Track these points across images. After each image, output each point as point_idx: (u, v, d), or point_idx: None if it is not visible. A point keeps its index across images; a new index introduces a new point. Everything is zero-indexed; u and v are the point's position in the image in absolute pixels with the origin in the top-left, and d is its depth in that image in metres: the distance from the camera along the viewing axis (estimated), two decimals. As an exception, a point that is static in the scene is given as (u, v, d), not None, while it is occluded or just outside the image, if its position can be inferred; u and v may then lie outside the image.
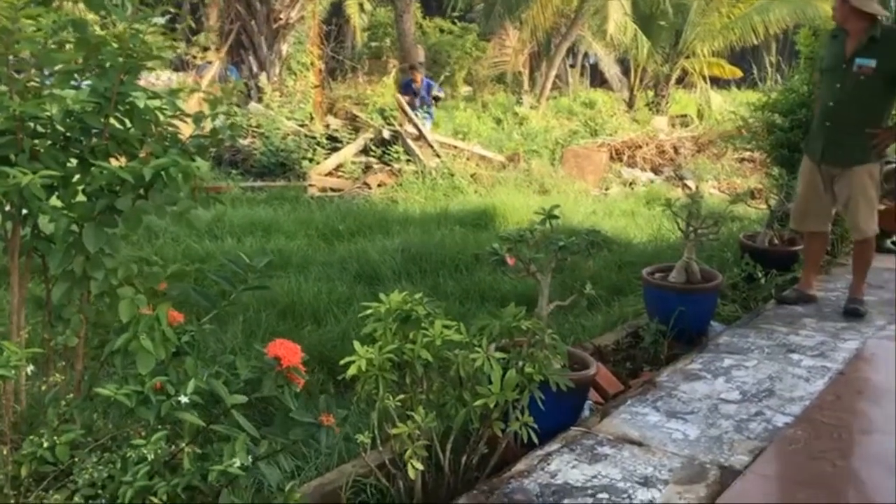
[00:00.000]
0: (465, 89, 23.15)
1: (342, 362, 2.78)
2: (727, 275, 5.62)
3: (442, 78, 19.67)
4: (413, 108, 11.67)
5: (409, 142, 10.17)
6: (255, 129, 10.13)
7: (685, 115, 19.64)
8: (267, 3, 11.42)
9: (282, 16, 11.56)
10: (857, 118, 4.43)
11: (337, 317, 4.80)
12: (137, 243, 6.04)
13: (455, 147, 10.77)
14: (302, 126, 10.56)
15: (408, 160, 10.02)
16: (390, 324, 2.89)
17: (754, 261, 5.60)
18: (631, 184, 11.23)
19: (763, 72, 19.40)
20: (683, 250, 4.58)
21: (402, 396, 2.81)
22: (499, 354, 2.83)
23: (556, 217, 3.32)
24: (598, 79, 26.42)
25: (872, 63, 4.34)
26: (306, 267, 5.77)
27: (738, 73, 20.90)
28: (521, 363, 2.91)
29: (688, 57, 19.90)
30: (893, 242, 6.35)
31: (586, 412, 3.46)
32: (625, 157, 12.27)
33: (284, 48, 11.75)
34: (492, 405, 2.81)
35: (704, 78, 20.20)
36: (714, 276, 4.59)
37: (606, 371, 3.94)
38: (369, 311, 2.92)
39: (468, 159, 10.60)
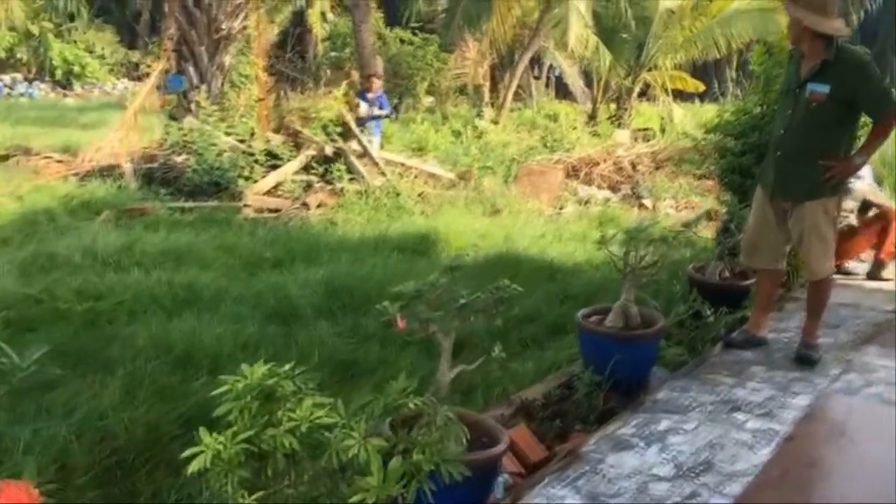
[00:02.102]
0: (427, 100, 22.75)
1: (184, 455, 2.30)
2: (674, 311, 5.22)
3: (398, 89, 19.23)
4: (367, 120, 11.17)
5: (353, 159, 9.67)
6: (191, 145, 9.56)
7: (647, 129, 19.40)
8: (207, 12, 10.86)
9: (223, 26, 11.00)
10: (809, 148, 4.02)
11: (239, 365, 4.29)
12: (29, 275, 5.51)
13: (402, 164, 10.29)
14: (242, 142, 10.01)
15: (351, 179, 9.52)
16: (249, 403, 2.41)
17: (703, 296, 5.19)
18: (586, 202, 10.84)
19: (724, 86, 19.21)
20: (622, 291, 4.14)
21: (260, 494, 2.33)
22: (376, 442, 2.36)
23: (458, 269, 2.85)
24: (563, 91, 26.14)
25: (825, 89, 3.93)
26: (217, 303, 5.26)
27: (701, 87, 20.70)
28: (407, 449, 2.45)
29: (650, 70, 19.68)
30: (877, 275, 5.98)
31: (499, 491, 3.00)
32: (581, 175, 11.89)
33: (227, 60, 11.19)
34: (370, 502, 2.34)
35: (667, 91, 19.98)
36: (655, 319, 4.15)
37: (528, 436, 3.48)
38: (225, 388, 2.44)
39: (416, 177, 10.14)
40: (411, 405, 2.47)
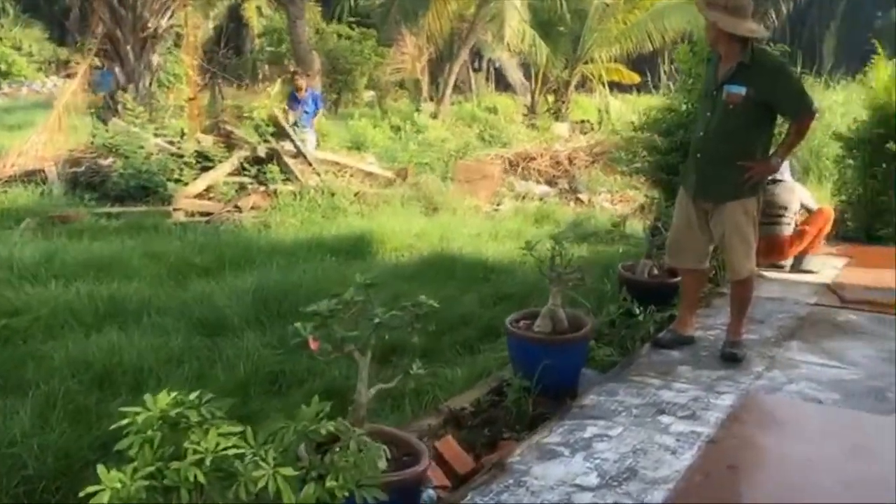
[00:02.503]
0: (367, 95, 22.56)
1: (82, 494, 2.19)
2: (605, 310, 5.25)
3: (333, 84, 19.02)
4: (298, 121, 11.02)
5: (287, 159, 9.51)
6: (118, 148, 9.27)
7: (585, 121, 19.58)
8: (133, 10, 10.54)
9: (150, 24, 10.70)
10: (728, 150, 4.06)
11: (162, 382, 4.16)
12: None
13: (337, 164, 10.17)
14: (171, 143, 9.76)
15: (285, 180, 9.37)
16: (151, 436, 2.31)
17: (633, 294, 5.22)
18: (524, 197, 10.87)
19: (656, 78, 19.51)
20: (549, 295, 4.13)
21: (166, 531, 2.24)
22: (286, 472, 2.28)
23: (372, 286, 2.78)
24: (503, 83, 26.21)
25: (742, 91, 3.96)
26: (141, 316, 5.10)
27: (637, 79, 20.96)
28: (321, 475, 2.38)
29: (587, 62, 19.86)
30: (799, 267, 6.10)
31: (424, 507, 2.95)
32: (519, 169, 11.92)
33: (155, 59, 10.88)
34: (284, 532, 2.27)
35: (604, 83, 20.20)
36: (583, 322, 4.16)
37: (455, 447, 3.45)
38: (126, 421, 2.34)
39: (352, 176, 10.03)
40: (322, 431, 2.40)
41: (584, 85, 21.77)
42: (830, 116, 11.18)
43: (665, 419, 3.53)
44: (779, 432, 3.50)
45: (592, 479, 3.02)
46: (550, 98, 20.54)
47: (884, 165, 6.93)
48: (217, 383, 4.16)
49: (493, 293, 6.07)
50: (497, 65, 25.84)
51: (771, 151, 4.18)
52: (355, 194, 9.43)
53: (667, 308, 5.05)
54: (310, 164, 9.65)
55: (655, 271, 5.31)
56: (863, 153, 7.07)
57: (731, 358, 4.21)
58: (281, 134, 10.15)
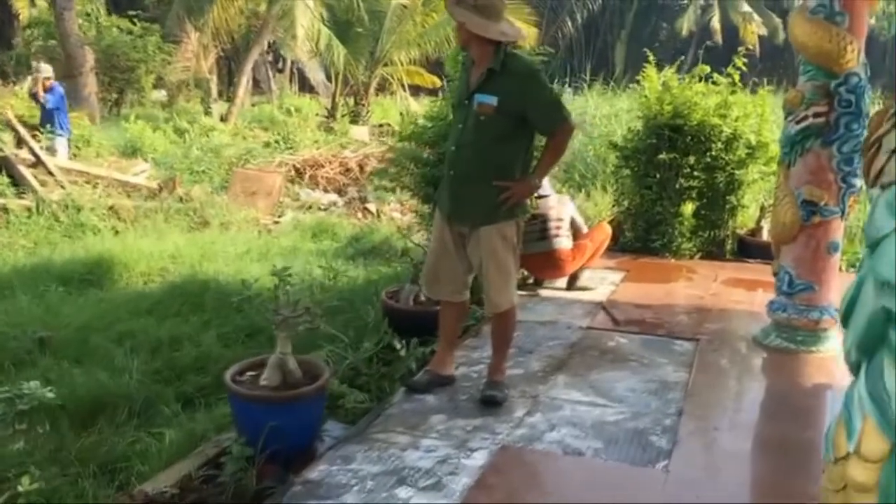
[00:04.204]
0: (155, 95, 20.87)
1: None
2: (366, 345, 4.65)
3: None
4: (45, 123, 9.63)
5: (22, 169, 8.20)
6: None
7: (385, 124, 19.10)
8: None
9: None
10: (481, 168, 3.57)
11: None
12: None
13: (87, 173, 8.94)
14: None
15: (20, 193, 8.06)
16: None
17: (396, 324, 4.68)
18: (310, 208, 10.13)
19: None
20: (276, 344, 3.46)
21: None
22: None
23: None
24: (308, 85, 25.26)
25: (493, 100, 3.48)
26: None
27: (438, 83, 20.77)
28: None
29: (387, 64, 19.39)
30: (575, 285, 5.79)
31: None
32: (306, 177, 11.16)
33: None
34: None
35: (404, 86, 19.83)
36: (319, 372, 3.52)
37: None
38: None
39: (107, 188, 8.85)
40: None
41: (385, 88, 21.34)
42: (616, 124, 11.34)
43: (403, 492, 2.95)
44: (535, 497, 3.02)
45: None
46: (351, 101, 19.91)
47: (657, 176, 6.85)
48: None
49: (247, 326, 5.31)
50: (300, 65, 24.87)
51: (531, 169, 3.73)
52: (109, 208, 8.29)
53: (432, 341, 4.52)
54: (52, 174, 8.38)
55: (422, 297, 4.78)
56: (637, 163, 6.96)
57: (490, 402, 3.72)
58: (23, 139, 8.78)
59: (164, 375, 4.46)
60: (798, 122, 4.33)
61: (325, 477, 3.06)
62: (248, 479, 3.17)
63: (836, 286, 4.53)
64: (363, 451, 3.27)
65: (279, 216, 9.60)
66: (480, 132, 3.55)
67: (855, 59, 4.19)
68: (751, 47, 15.72)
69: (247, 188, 9.76)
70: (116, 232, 7.88)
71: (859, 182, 4.41)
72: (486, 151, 3.56)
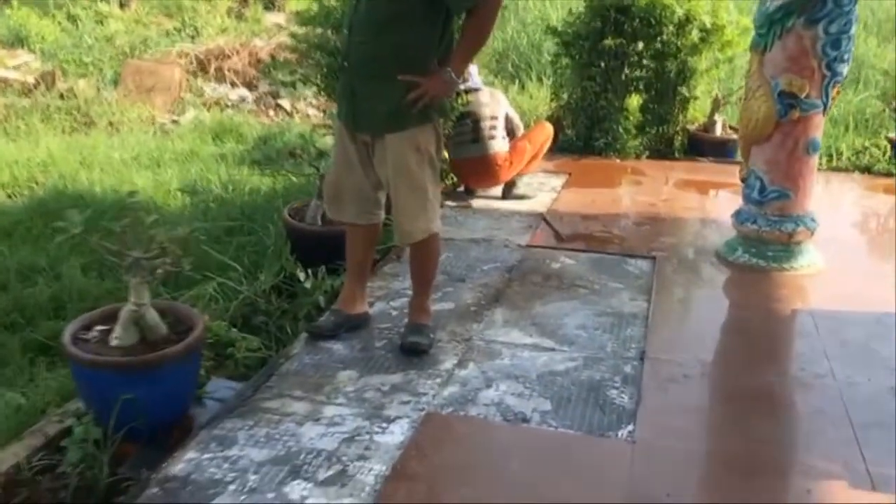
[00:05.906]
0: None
1: None
2: (263, 276, 3.86)
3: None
4: None
5: None
6: None
7: (303, 12, 17.59)
8: None
9: None
10: (380, 56, 2.72)
11: None
12: None
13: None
14: None
15: None
16: None
17: (301, 248, 3.89)
18: (216, 104, 9.03)
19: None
20: (129, 294, 2.64)
21: None
22: None
23: None
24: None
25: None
26: None
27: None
28: None
29: (304, -57, 17.73)
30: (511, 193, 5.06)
31: None
32: (212, 70, 9.97)
33: None
34: None
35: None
36: (191, 323, 2.73)
37: None
38: None
39: (-29, 84, 7.62)
40: None
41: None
42: (553, 8, 10.37)
43: (297, 489, 2.24)
44: (467, 485, 2.34)
45: None
46: (266, -16, 18.24)
47: (601, 65, 6.06)
48: None
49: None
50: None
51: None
52: (-28, 108, 7.12)
53: (344, 269, 3.75)
54: None
55: (330, 215, 3.97)
56: (578, 50, 6.14)
57: (412, 350, 3.01)
58: None
59: (10, 319, 3.61)
60: (780, -4, 3.59)
61: (193, 471, 2.33)
62: (99, 470, 2.43)
63: (814, 192, 3.92)
64: (247, 429, 2.54)
65: (179, 115, 8.51)
66: (377, 8, 2.69)
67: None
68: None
69: (142, 83, 8.59)
70: (-18, 137, 6.76)
71: (845, 69, 3.74)
72: (385, 34, 2.71)
